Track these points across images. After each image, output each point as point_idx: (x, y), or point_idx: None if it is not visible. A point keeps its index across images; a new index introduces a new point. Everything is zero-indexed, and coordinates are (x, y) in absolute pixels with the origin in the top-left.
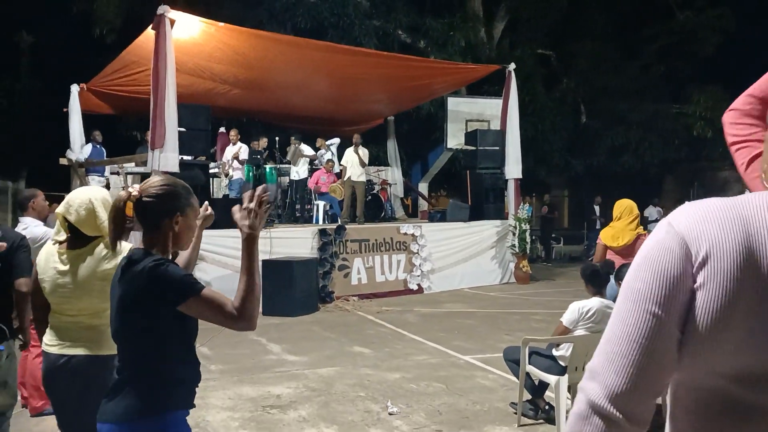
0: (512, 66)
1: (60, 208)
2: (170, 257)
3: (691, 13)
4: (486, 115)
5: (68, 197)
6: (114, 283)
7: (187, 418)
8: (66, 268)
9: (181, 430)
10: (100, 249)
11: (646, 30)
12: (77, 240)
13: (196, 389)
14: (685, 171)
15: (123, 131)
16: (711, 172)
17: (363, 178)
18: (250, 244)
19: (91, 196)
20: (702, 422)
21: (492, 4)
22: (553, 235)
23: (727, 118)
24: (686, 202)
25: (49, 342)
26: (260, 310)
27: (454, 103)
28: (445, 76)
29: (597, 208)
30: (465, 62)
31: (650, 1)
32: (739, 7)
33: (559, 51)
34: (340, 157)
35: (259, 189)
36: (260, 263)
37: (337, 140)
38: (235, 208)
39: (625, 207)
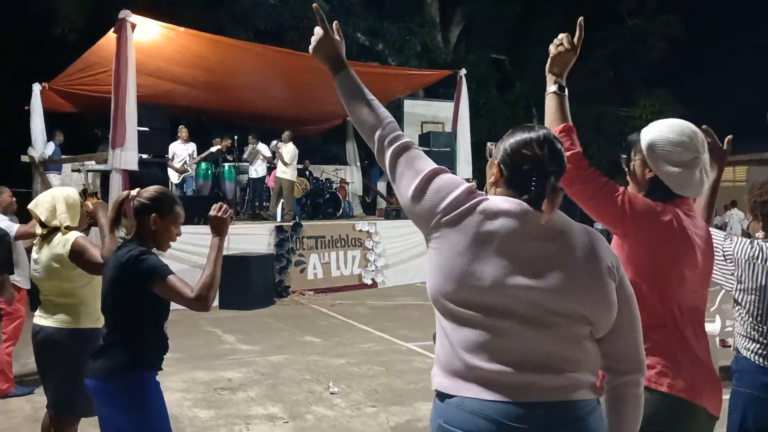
0: (463, 71)
1: (31, 205)
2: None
3: (641, 20)
4: (440, 118)
5: (38, 197)
6: (108, 264)
7: None
8: (37, 256)
9: (153, 385)
10: (56, 238)
11: (596, 35)
12: (48, 233)
13: (164, 356)
14: None
15: (84, 128)
16: None
17: (285, 176)
18: (220, 243)
19: (54, 194)
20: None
21: (448, 9)
22: None
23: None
24: None
25: (36, 313)
26: (216, 303)
27: (410, 106)
28: (400, 82)
29: None
30: (421, 66)
31: (602, 7)
32: (686, 15)
33: (512, 55)
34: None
35: (223, 204)
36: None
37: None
38: (212, 213)
39: None
